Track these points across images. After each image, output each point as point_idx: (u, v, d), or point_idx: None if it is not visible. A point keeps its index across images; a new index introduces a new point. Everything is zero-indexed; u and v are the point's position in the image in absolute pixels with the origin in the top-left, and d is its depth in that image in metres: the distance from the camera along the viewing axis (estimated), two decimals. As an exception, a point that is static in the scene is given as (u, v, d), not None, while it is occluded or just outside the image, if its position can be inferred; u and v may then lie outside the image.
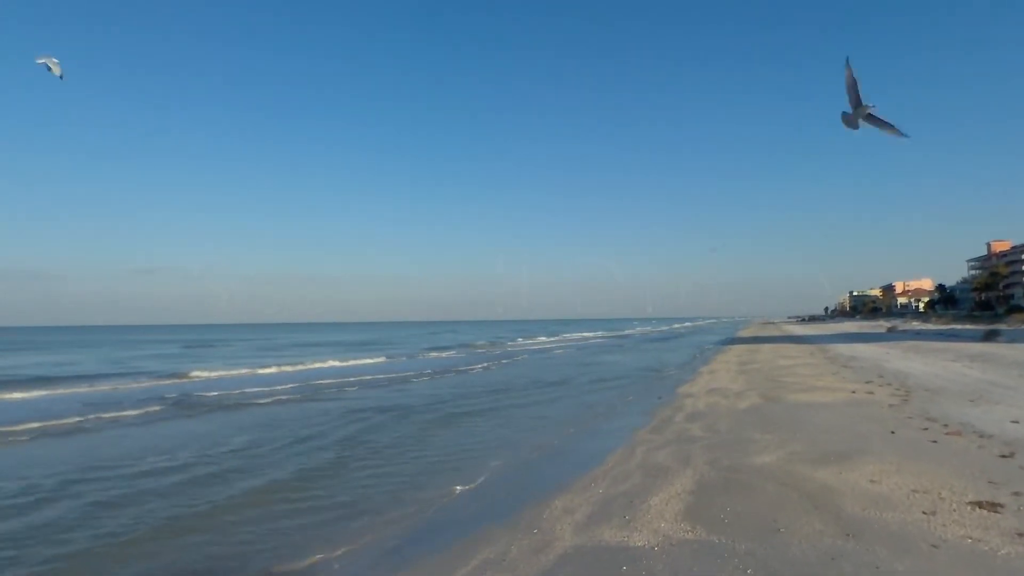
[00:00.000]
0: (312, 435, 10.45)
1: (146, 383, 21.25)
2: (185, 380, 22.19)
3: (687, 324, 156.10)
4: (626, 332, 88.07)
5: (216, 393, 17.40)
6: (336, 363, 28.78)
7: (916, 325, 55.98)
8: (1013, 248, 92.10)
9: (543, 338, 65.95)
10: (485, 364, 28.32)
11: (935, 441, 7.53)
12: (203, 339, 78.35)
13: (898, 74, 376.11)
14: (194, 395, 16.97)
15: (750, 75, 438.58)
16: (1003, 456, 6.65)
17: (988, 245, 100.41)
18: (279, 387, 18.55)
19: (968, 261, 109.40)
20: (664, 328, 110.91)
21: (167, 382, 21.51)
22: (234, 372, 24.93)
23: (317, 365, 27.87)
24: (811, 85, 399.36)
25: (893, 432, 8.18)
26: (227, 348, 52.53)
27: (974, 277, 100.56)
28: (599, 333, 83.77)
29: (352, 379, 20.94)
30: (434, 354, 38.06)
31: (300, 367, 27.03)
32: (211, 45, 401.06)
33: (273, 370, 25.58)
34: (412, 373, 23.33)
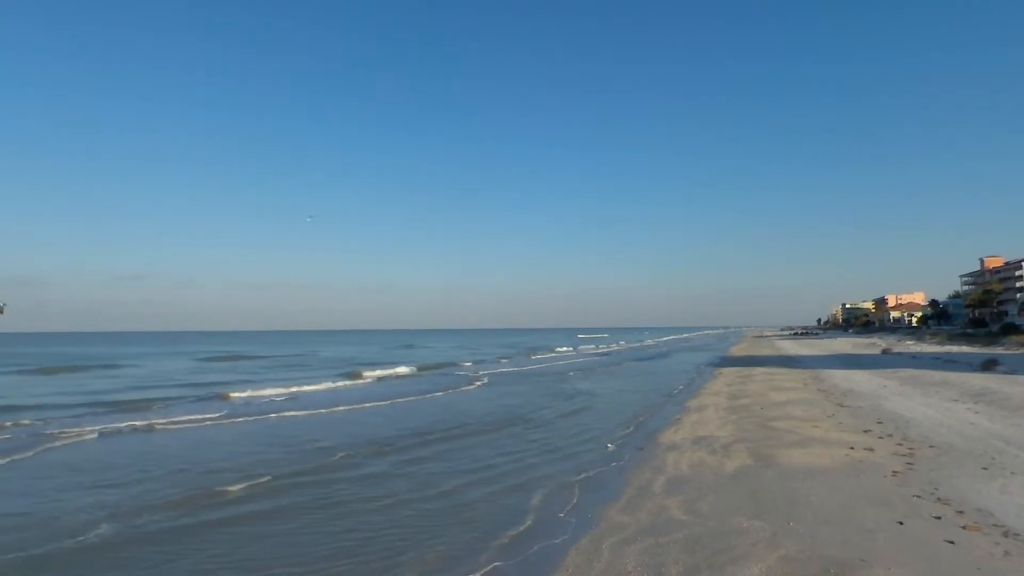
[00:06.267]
0: None
1: None
2: None
3: (684, 335, 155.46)
4: (616, 346, 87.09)
5: None
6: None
7: (911, 345, 55.14)
8: (1007, 264, 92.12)
9: (552, 351, 64.91)
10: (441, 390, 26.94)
11: (952, 542, 6.40)
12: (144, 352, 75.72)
13: (896, 79, 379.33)
14: None
15: (744, 81, 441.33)
16: (1037, 574, 5.53)
17: (981, 261, 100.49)
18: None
19: (961, 276, 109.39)
20: (652, 341, 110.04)
21: None
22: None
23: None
24: (808, 92, 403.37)
25: (901, 523, 7.05)
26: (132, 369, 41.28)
27: (967, 292, 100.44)
28: (592, 348, 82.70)
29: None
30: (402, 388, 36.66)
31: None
32: (204, 43, 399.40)
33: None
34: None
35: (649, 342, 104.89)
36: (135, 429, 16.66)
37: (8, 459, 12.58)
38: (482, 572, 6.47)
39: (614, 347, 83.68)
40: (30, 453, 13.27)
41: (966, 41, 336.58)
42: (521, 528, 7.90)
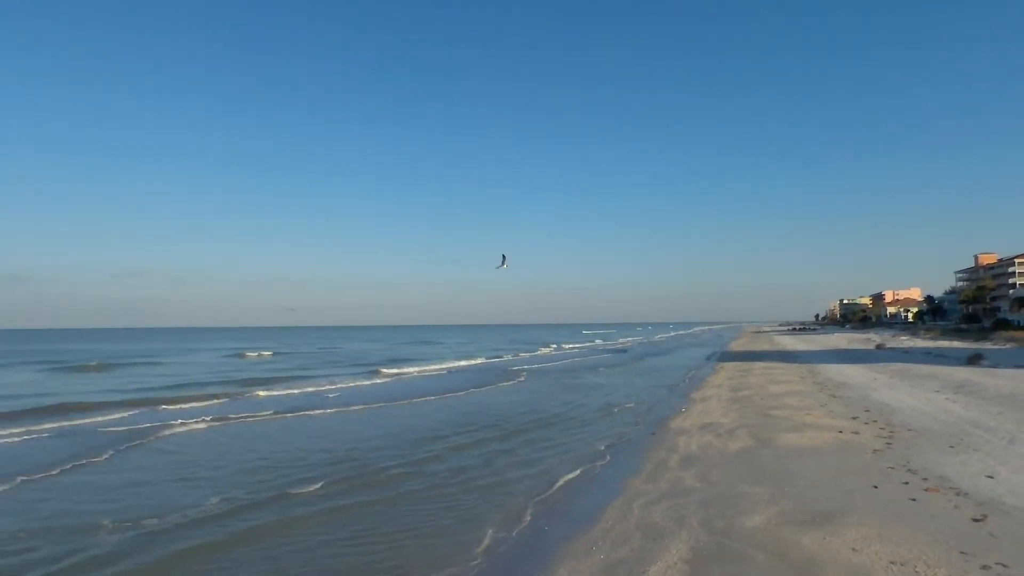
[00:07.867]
0: None
1: None
2: None
3: (686, 331, 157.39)
4: (627, 341, 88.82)
5: None
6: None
7: (905, 340, 56.84)
8: (1000, 261, 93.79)
9: (543, 349, 66.64)
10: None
11: (914, 499, 8.00)
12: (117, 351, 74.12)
13: (890, 80, 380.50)
14: None
15: (744, 79, 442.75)
16: (976, 520, 7.12)
17: (976, 258, 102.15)
18: None
19: (956, 273, 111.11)
20: (661, 337, 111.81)
21: None
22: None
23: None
24: (808, 90, 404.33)
25: (876, 487, 8.65)
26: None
27: (962, 289, 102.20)
28: (610, 344, 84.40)
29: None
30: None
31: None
32: (203, 42, 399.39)
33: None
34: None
35: (658, 337, 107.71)
36: (218, 423, 17.69)
37: (104, 456, 14.03)
38: (547, 519, 8.19)
39: (627, 342, 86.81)
40: (124, 447, 14.69)
41: (963, 39, 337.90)
42: (578, 489, 9.78)
